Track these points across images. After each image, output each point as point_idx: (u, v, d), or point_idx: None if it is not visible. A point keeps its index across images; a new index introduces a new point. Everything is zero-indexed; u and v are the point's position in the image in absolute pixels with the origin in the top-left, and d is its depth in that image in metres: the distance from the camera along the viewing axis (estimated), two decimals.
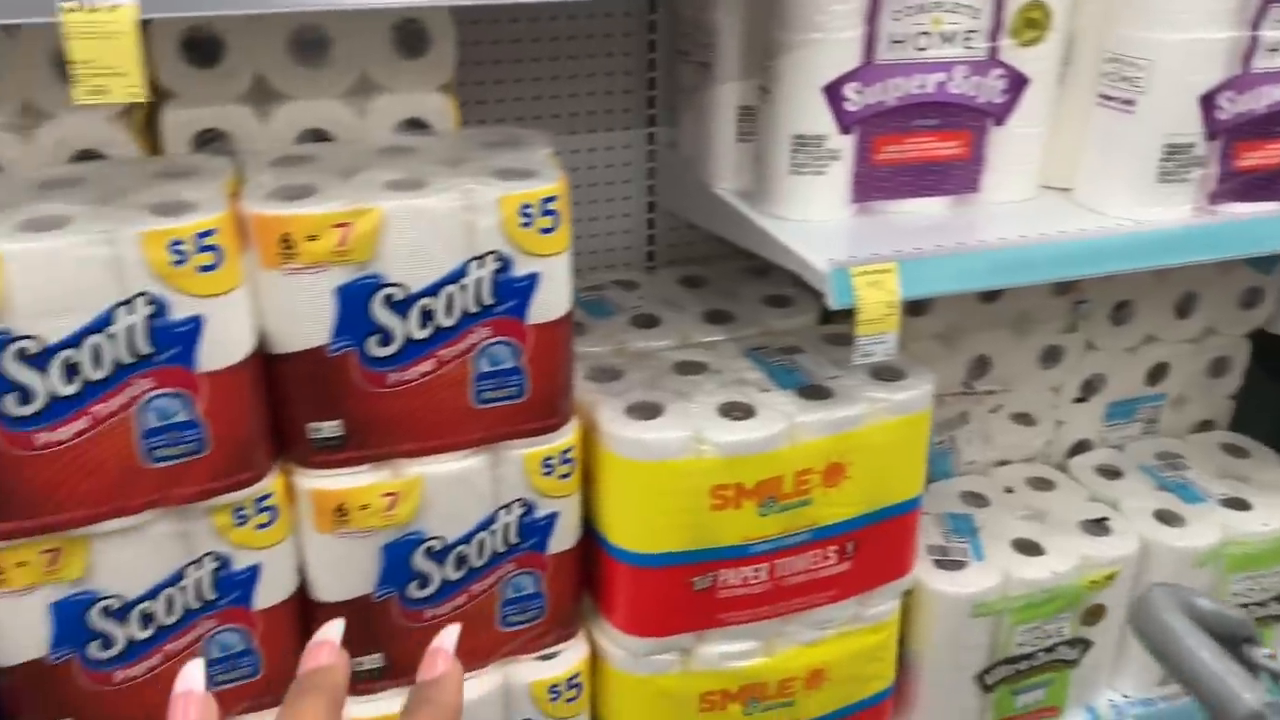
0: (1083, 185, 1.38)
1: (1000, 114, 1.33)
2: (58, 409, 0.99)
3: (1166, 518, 1.61)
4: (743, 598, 1.33)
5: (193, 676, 0.52)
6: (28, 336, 0.96)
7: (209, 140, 1.20)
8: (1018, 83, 1.31)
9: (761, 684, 1.39)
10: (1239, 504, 1.64)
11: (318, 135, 1.23)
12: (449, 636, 0.60)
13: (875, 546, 1.38)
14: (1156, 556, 1.58)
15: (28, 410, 0.98)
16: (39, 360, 0.97)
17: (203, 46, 1.17)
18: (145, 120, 1.19)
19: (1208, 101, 1.26)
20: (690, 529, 1.27)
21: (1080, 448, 1.80)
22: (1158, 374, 1.79)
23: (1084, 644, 1.60)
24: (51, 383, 0.98)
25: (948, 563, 1.52)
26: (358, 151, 1.18)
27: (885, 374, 1.36)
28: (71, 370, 0.98)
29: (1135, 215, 1.31)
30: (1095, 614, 1.58)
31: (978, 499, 1.66)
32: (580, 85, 1.60)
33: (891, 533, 1.39)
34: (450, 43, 1.23)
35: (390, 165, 1.13)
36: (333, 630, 0.59)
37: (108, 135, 1.15)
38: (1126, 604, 1.61)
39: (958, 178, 1.35)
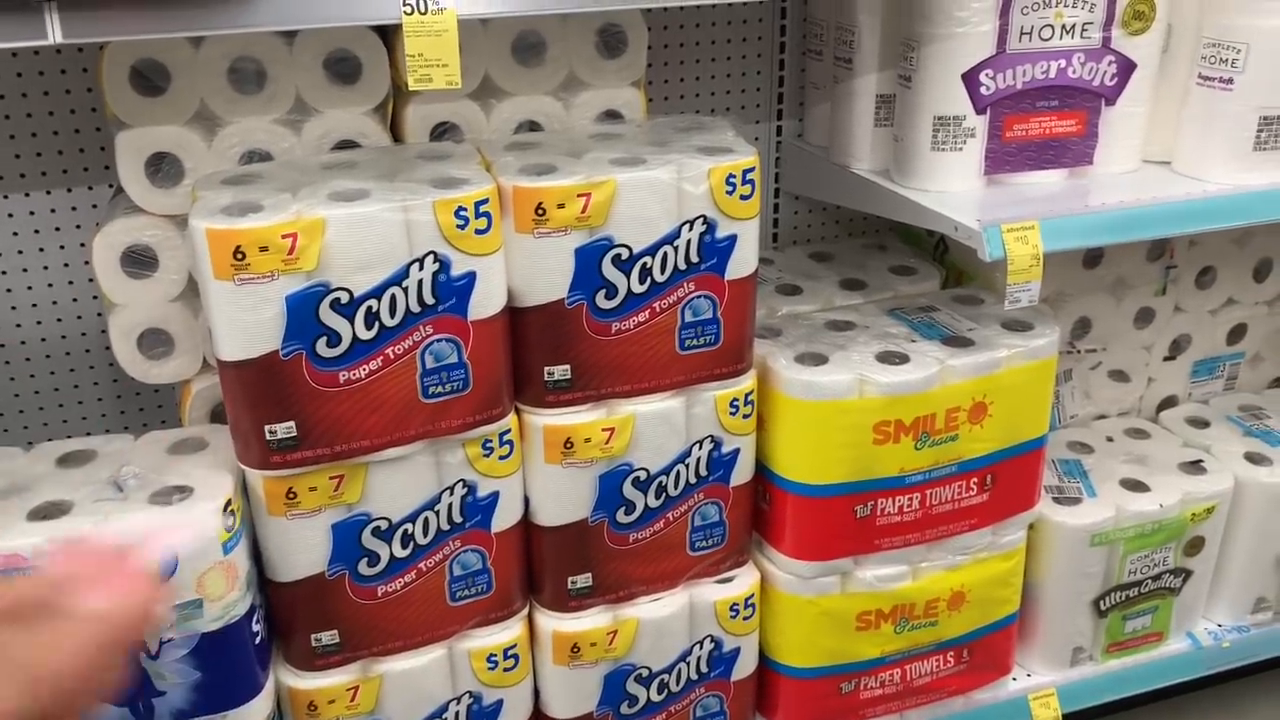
0: (1182, 157, 1.57)
1: (1111, 95, 1.52)
2: (358, 350, 1.18)
3: (1256, 459, 1.79)
4: (897, 525, 1.51)
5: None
6: (341, 288, 1.15)
7: (443, 132, 1.40)
8: (1126, 67, 1.50)
9: (910, 604, 1.57)
10: None
11: (532, 126, 1.43)
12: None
13: (1009, 479, 1.56)
14: (1249, 492, 1.76)
15: (334, 352, 1.17)
16: (348, 309, 1.16)
17: None
18: (391, 115, 1.39)
19: None
20: (855, 462, 1.46)
21: (1168, 403, 1.98)
22: (1238, 334, 1.97)
23: (1186, 573, 1.77)
24: (355, 328, 1.17)
25: (1065, 499, 1.69)
26: (574, 137, 1.37)
27: (1015, 326, 1.54)
28: (371, 317, 1.17)
29: (1234, 180, 1.50)
30: (1196, 545, 1.76)
31: (1083, 447, 1.84)
32: (719, 85, 1.79)
33: (1023, 467, 1.57)
34: (644, 45, 1.43)
35: (606, 147, 1.33)
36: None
37: (364, 127, 1.35)
38: (1222, 538, 1.78)
39: (1074, 152, 1.54)
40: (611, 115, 1.46)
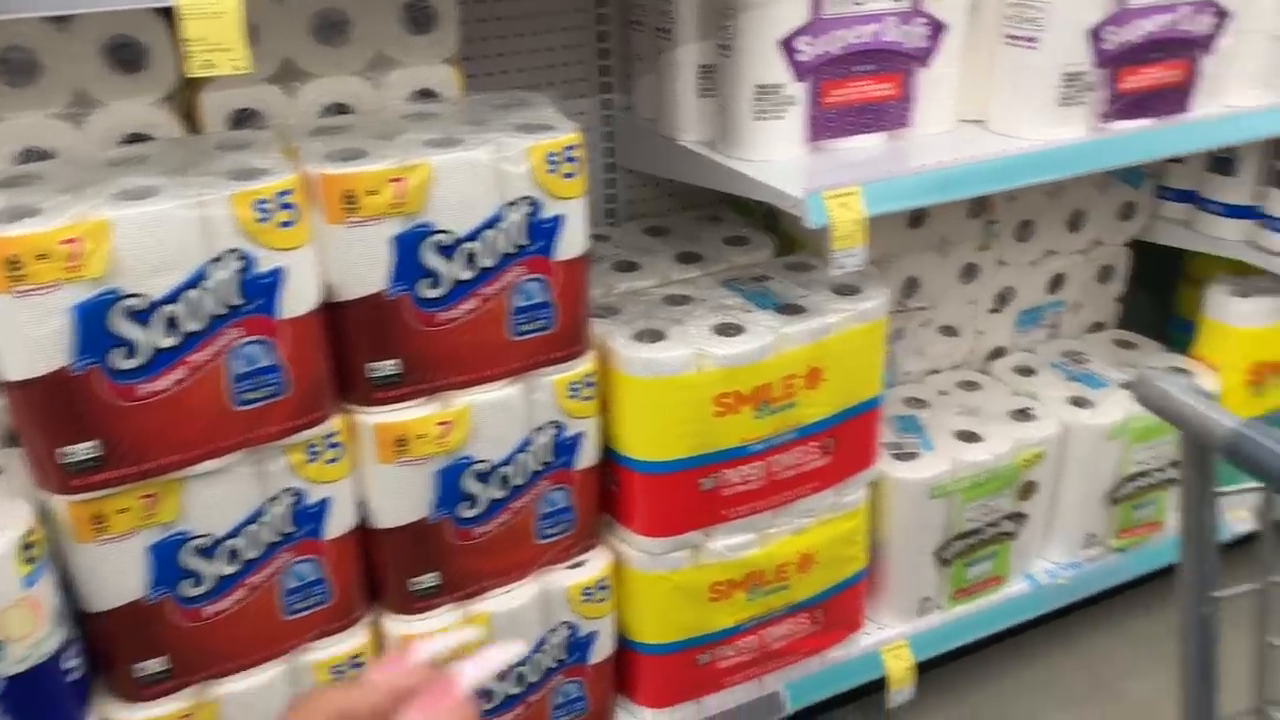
0: (995, 115, 1.61)
1: (924, 57, 1.54)
2: (159, 360, 1.10)
3: (1079, 402, 1.88)
4: (743, 494, 1.51)
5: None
6: (134, 295, 1.07)
7: (243, 119, 1.31)
8: (937, 29, 1.53)
9: (761, 571, 1.58)
10: None
11: (340, 109, 1.36)
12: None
13: (848, 441, 1.58)
14: (1075, 434, 1.84)
15: (132, 363, 1.09)
16: (143, 316, 1.08)
17: None
18: (185, 104, 1.29)
19: (1095, 35, 1.50)
20: (697, 436, 1.45)
21: (997, 353, 2.05)
22: (1057, 283, 2.05)
23: (1021, 517, 1.84)
24: (154, 336, 1.09)
25: (903, 455, 1.74)
26: (386, 119, 1.31)
27: (845, 290, 1.56)
28: (171, 323, 1.09)
29: (1043, 136, 1.55)
30: (1028, 490, 1.83)
31: (918, 402, 1.89)
32: (542, 59, 1.75)
33: (860, 428, 1.60)
34: (454, 19, 1.38)
35: (421, 128, 1.27)
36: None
37: (154, 118, 1.26)
38: (1052, 481, 1.86)
39: (892, 115, 1.56)
40: (426, 94, 1.40)
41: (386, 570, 1.37)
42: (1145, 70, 1.57)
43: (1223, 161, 1.92)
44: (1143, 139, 1.59)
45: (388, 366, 1.25)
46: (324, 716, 0.59)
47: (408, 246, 1.21)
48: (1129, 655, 2.03)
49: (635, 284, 1.62)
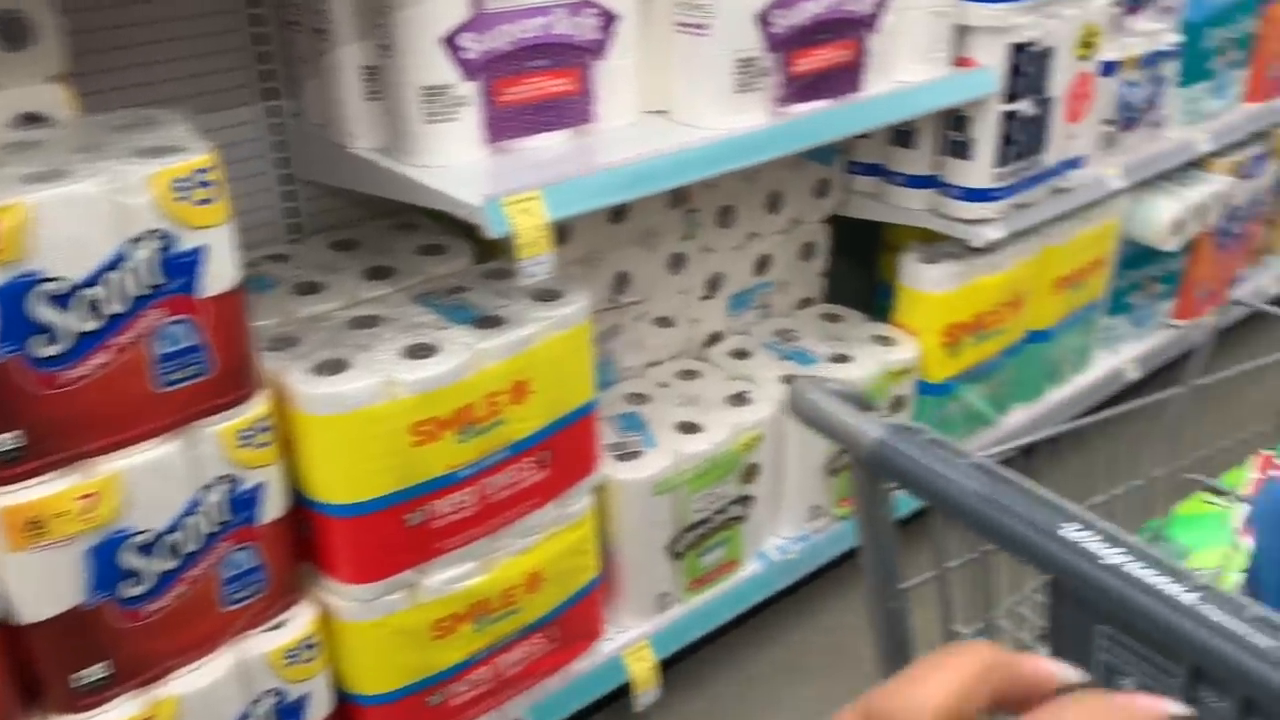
0: (677, 105, 1.58)
1: (599, 49, 1.49)
2: None
3: (790, 380, 1.90)
4: (456, 523, 1.42)
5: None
6: None
7: None
8: (609, 20, 1.48)
9: (486, 600, 1.50)
10: (842, 359, 1.97)
11: None
12: None
13: (565, 451, 1.52)
14: None
15: None
16: None
17: None
18: None
19: (763, 19, 1.50)
20: (396, 470, 1.35)
21: (714, 339, 2.06)
22: (763, 264, 2.08)
23: (748, 500, 1.85)
24: None
25: (626, 454, 1.70)
26: None
27: (545, 296, 1.49)
28: None
29: (723, 124, 1.53)
30: (751, 473, 1.84)
31: (640, 398, 1.86)
32: (183, 68, 1.57)
33: (576, 436, 1.54)
34: (57, 29, 1.19)
35: (20, 160, 1.09)
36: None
37: None
38: (773, 460, 1.88)
39: (573, 111, 1.50)
40: (31, 119, 1.22)
41: (43, 668, 1.19)
42: (816, 52, 1.58)
43: (903, 134, 1.99)
44: (820, 120, 1.61)
45: (6, 441, 1.08)
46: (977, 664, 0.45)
47: (11, 301, 1.03)
48: (866, 622, 2.09)
49: (318, 308, 1.49)
